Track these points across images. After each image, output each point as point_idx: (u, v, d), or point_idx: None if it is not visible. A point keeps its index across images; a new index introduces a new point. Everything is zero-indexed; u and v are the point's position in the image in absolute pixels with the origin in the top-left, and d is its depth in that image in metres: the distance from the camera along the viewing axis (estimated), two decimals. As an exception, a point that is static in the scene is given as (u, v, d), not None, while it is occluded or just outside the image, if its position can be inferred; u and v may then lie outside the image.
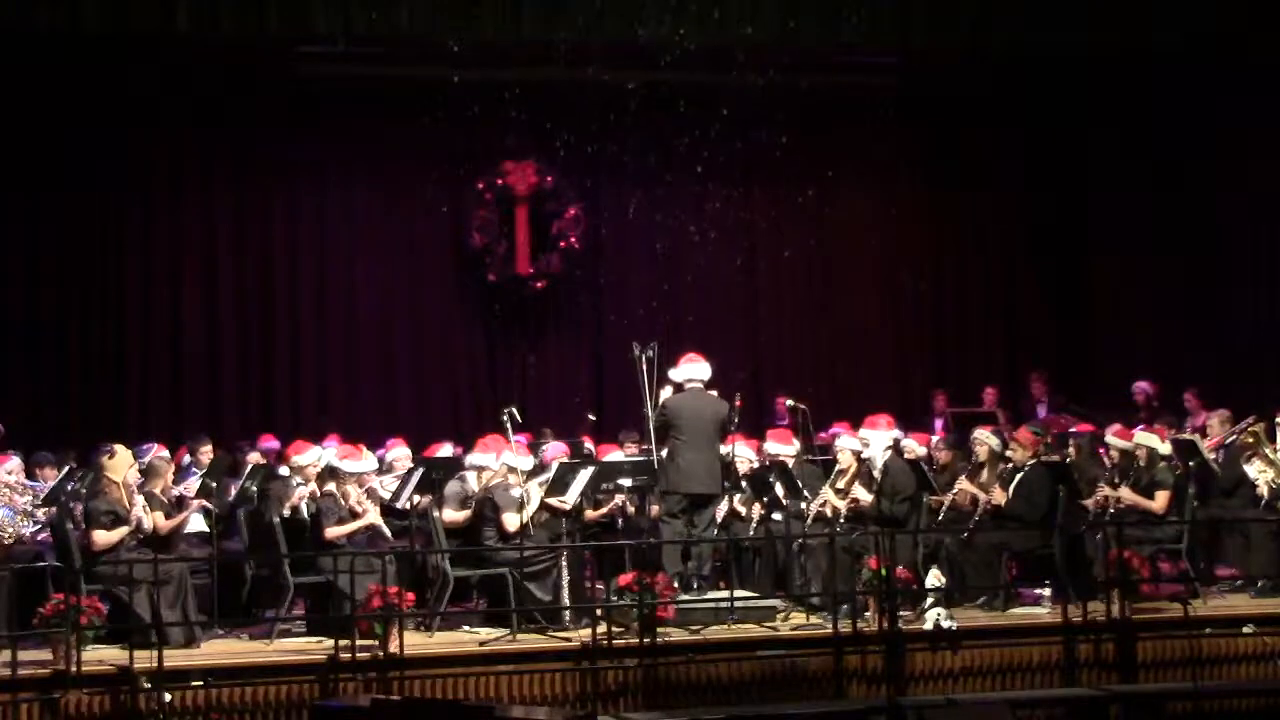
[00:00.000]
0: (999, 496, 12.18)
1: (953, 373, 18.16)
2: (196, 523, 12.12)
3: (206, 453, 13.21)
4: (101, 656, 10.27)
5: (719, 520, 12.31)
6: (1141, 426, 13.44)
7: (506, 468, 11.92)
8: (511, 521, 11.59)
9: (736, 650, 10.71)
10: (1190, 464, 12.74)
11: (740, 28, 14.75)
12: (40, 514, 11.91)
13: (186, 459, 13.26)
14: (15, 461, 12.20)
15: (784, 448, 12.88)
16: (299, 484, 11.93)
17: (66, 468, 12.40)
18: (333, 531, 11.47)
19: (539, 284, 17.61)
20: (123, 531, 11.02)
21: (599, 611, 10.79)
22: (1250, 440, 12.67)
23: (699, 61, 15.20)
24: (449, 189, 17.54)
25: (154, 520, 11.37)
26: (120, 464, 11.22)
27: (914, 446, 13.17)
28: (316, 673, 10.15)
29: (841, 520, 12.24)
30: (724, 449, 11.95)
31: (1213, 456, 13.00)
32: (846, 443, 12.61)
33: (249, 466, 12.59)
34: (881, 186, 18.49)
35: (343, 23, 14.28)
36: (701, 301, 17.72)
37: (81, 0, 13.82)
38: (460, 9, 14.48)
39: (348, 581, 10.72)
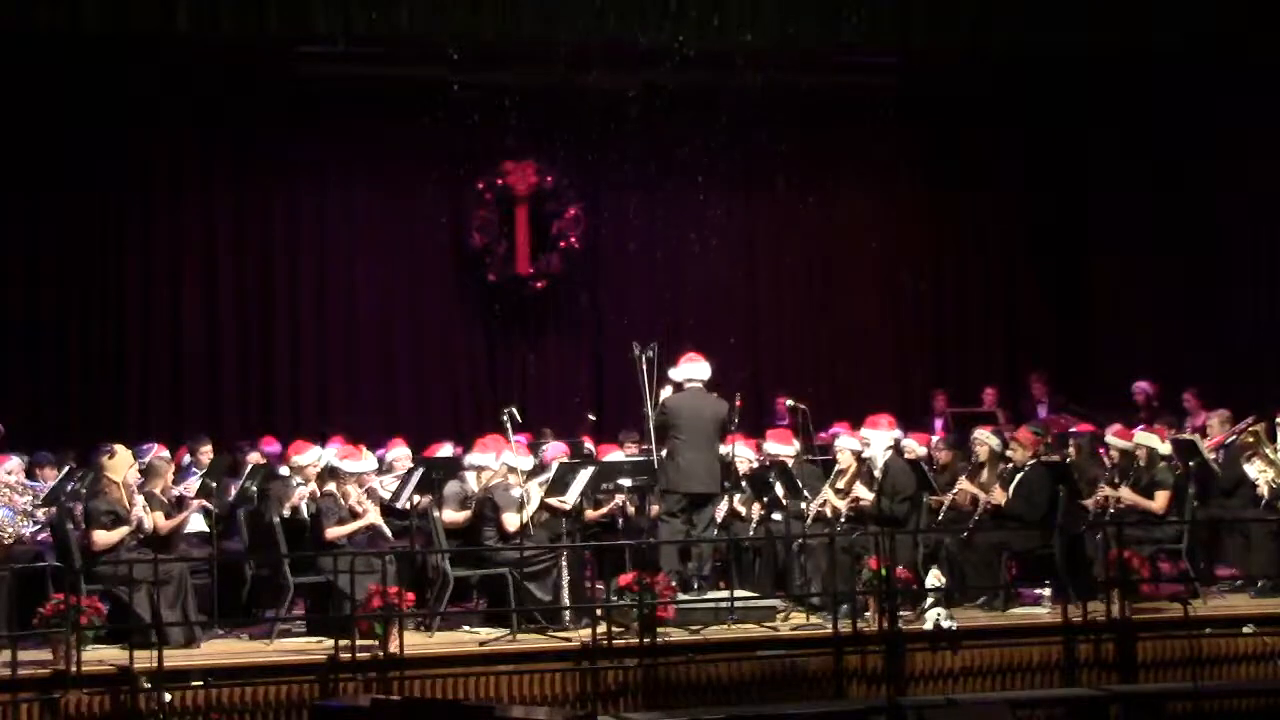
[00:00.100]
0: (999, 496, 12.18)
1: (953, 373, 18.15)
2: (196, 523, 12.11)
3: (206, 453, 13.20)
4: (101, 656, 10.26)
5: (719, 520, 12.30)
6: (1141, 426, 13.44)
7: (506, 468, 11.92)
8: (511, 521, 11.58)
9: (736, 650, 10.70)
10: (1190, 464, 12.73)
11: (740, 34, 14.74)
12: (40, 514, 11.90)
13: (186, 459, 13.25)
14: (15, 461, 12.19)
15: (784, 448, 12.87)
16: (299, 484, 11.93)
17: (66, 468, 12.40)
18: (333, 531, 11.47)
19: (539, 284, 17.60)
20: (123, 531, 11.01)
21: (599, 611, 10.78)
22: (1250, 440, 12.66)
23: (699, 63, 15.19)
24: (449, 189, 17.54)
25: (154, 520, 11.36)
26: (120, 464, 11.21)
27: (914, 446, 13.16)
28: (316, 673, 10.14)
29: (841, 520, 12.24)
30: (724, 449, 11.94)
31: (1213, 456, 12.99)
32: (846, 443, 12.60)
33: (249, 466, 12.57)
34: (881, 187, 18.48)
35: (343, 23, 14.27)
36: (701, 301, 17.69)
37: (81, 0, 13.81)
38: (460, 9, 14.47)
39: (348, 581, 10.72)
